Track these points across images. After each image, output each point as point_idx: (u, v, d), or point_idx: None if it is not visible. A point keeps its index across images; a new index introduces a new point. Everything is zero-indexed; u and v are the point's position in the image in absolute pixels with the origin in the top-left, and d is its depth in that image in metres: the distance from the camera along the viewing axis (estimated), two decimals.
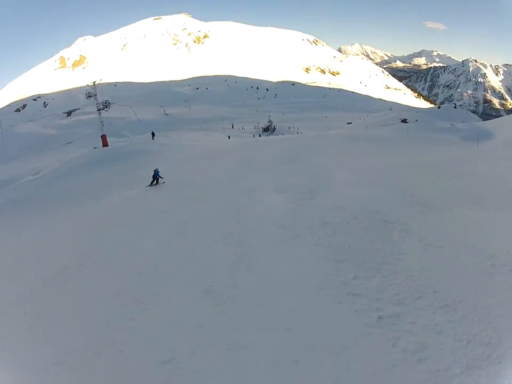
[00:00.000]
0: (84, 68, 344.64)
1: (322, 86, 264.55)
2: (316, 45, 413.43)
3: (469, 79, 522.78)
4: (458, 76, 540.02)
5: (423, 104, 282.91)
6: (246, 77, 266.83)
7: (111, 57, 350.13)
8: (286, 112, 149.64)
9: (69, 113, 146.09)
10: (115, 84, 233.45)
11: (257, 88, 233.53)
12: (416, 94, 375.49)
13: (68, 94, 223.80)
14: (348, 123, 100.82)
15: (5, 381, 6.30)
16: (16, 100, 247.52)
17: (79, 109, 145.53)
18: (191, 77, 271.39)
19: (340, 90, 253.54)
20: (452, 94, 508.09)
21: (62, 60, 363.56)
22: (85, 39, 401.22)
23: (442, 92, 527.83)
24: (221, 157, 28.63)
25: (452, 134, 39.90)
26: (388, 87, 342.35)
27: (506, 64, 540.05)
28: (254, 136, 79.55)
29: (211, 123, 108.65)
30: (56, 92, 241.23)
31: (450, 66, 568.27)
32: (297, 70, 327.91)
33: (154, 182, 19.64)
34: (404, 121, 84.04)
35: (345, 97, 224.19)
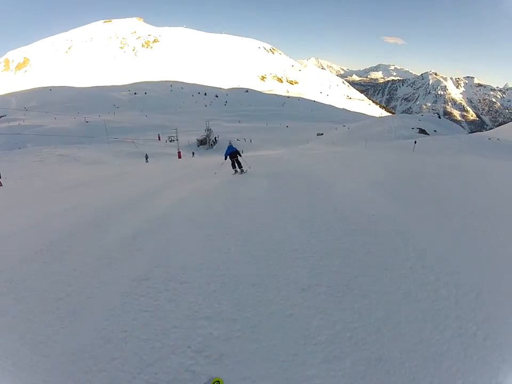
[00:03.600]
0: (25, 71, 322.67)
1: (280, 94, 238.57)
2: (273, 53, 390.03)
3: (428, 91, 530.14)
4: (417, 88, 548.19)
5: (387, 115, 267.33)
6: (194, 83, 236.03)
7: (54, 60, 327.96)
8: (238, 120, 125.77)
9: None
10: (50, 89, 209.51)
11: (205, 94, 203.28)
12: (378, 105, 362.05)
13: (1, 98, 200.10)
14: (318, 134, 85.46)
15: None
16: None
17: (5, 115, 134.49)
18: (133, 82, 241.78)
19: (299, 99, 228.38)
20: (410, 107, 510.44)
21: (7, 62, 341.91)
22: (30, 43, 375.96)
23: (400, 105, 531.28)
24: None
25: None
26: (350, 98, 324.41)
27: (467, 77, 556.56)
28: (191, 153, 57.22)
29: (137, 133, 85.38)
30: None
31: (409, 80, 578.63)
32: (252, 77, 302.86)
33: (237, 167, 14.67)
34: (423, 132, 62.40)
35: (306, 106, 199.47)
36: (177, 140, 60.21)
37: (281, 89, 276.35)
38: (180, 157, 52.59)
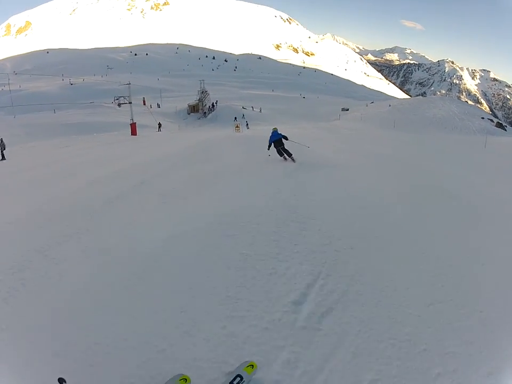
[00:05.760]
0: (26, 34, 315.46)
1: (295, 64, 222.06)
2: (290, 23, 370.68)
3: (443, 79, 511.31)
4: (433, 75, 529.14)
5: (405, 96, 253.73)
6: (202, 47, 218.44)
7: (57, 23, 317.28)
8: (247, 88, 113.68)
9: None
10: (47, 51, 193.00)
11: (213, 58, 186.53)
12: (395, 86, 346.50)
13: None
14: (343, 109, 71.83)
15: None
16: None
17: None
18: (137, 44, 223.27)
19: (316, 70, 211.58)
20: (424, 92, 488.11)
21: (8, 27, 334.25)
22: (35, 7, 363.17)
23: (414, 88, 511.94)
24: None
25: None
26: (368, 75, 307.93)
27: (483, 70, 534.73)
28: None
29: (125, 96, 71.97)
30: None
31: (424, 65, 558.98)
32: (266, 46, 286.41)
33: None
34: (501, 126, 48.42)
35: (324, 79, 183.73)
36: (130, 102, 41.45)
37: (297, 60, 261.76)
38: (134, 132, 35.71)
